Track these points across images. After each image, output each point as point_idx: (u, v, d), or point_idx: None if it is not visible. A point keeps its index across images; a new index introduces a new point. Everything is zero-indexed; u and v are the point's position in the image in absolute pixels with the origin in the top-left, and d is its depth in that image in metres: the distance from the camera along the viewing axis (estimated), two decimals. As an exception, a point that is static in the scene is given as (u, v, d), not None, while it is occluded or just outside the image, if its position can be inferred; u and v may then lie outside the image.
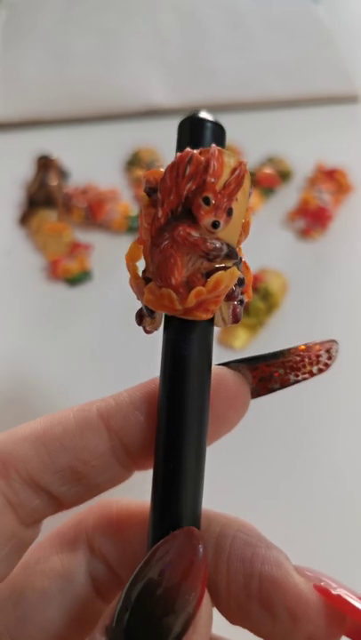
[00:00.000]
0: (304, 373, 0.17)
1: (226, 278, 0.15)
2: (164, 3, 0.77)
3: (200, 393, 0.15)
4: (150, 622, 0.13)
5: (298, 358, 0.17)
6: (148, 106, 0.64)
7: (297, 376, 0.17)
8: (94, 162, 0.59)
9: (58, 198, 0.54)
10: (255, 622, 0.15)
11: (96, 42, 0.72)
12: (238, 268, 0.15)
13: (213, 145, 0.15)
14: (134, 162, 0.59)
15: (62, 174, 0.56)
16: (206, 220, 0.14)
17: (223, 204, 0.14)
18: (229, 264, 0.15)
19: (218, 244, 0.14)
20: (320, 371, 0.17)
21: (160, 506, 0.15)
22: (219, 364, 0.17)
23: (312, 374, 0.17)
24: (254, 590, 0.15)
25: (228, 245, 0.15)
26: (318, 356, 0.17)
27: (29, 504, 0.16)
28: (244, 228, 0.16)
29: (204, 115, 0.16)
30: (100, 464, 0.16)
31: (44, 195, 0.54)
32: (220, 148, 0.15)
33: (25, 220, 0.54)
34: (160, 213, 0.15)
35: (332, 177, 0.55)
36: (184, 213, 0.15)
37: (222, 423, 0.17)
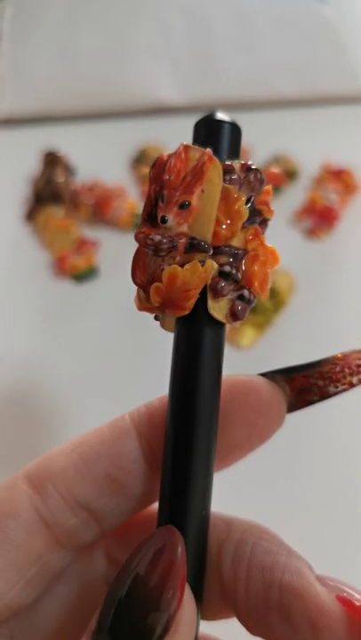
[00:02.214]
0: (344, 384, 0.16)
1: (181, 272, 0.14)
2: (172, 0, 0.77)
3: (206, 393, 0.15)
4: (133, 623, 0.13)
5: (337, 368, 0.16)
6: (156, 103, 0.64)
7: (337, 387, 0.16)
8: (101, 159, 0.59)
9: (65, 194, 0.54)
10: (275, 633, 0.15)
11: (103, 39, 0.72)
12: (233, 263, 0.15)
13: (182, 143, 0.15)
14: (141, 159, 0.59)
15: (69, 171, 0.56)
16: (160, 217, 0.14)
17: (173, 198, 0.14)
18: (200, 257, 0.14)
19: (157, 238, 0.14)
20: (360, 381, 0.16)
21: (167, 508, 0.15)
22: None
23: (352, 385, 0.16)
24: (274, 600, 0.14)
25: (192, 239, 0.14)
26: (359, 366, 0.16)
27: (65, 523, 0.15)
28: (231, 218, 0.15)
29: (220, 115, 0.16)
30: (135, 470, 0.16)
31: (51, 191, 0.54)
32: (187, 144, 0.14)
33: (31, 215, 0.54)
34: (141, 220, 0.15)
35: (338, 177, 0.55)
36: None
37: (255, 432, 0.16)
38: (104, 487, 0.16)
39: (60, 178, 0.54)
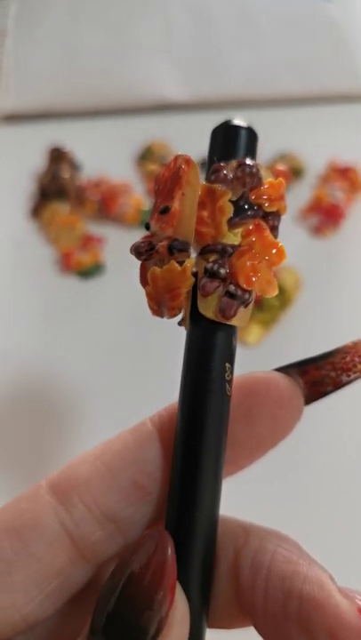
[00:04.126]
0: (355, 372, 0.16)
1: (160, 273, 0.15)
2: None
3: (213, 393, 0.15)
4: (127, 623, 0.13)
5: (348, 358, 0.16)
6: (160, 101, 0.64)
7: (349, 376, 0.16)
8: (107, 155, 0.59)
9: (70, 191, 0.54)
10: None
11: (108, 36, 0.72)
12: (219, 260, 0.15)
13: (179, 153, 0.15)
14: (147, 156, 0.59)
15: (75, 167, 0.56)
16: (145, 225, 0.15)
17: (157, 204, 0.15)
18: (182, 258, 0.15)
19: (136, 243, 0.15)
20: None
21: (174, 512, 0.15)
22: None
23: None
24: (293, 610, 0.14)
25: (173, 241, 0.15)
26: None
27: (91, 536, 0.15)
28: (214, 216, 0.15)
29: (237, 121, 0.16)
30: (161, 475, 0.16)
31: (57, 187, 0.54)
32: (178, 153, 0.15)
33: (37, 212, 0.54)
34: None
35: (344, 175, 0.55)
36: None
37: (278, 426, 0.16)
38: (131, 495, 0.15)
39: (65, 174, 0.54)
